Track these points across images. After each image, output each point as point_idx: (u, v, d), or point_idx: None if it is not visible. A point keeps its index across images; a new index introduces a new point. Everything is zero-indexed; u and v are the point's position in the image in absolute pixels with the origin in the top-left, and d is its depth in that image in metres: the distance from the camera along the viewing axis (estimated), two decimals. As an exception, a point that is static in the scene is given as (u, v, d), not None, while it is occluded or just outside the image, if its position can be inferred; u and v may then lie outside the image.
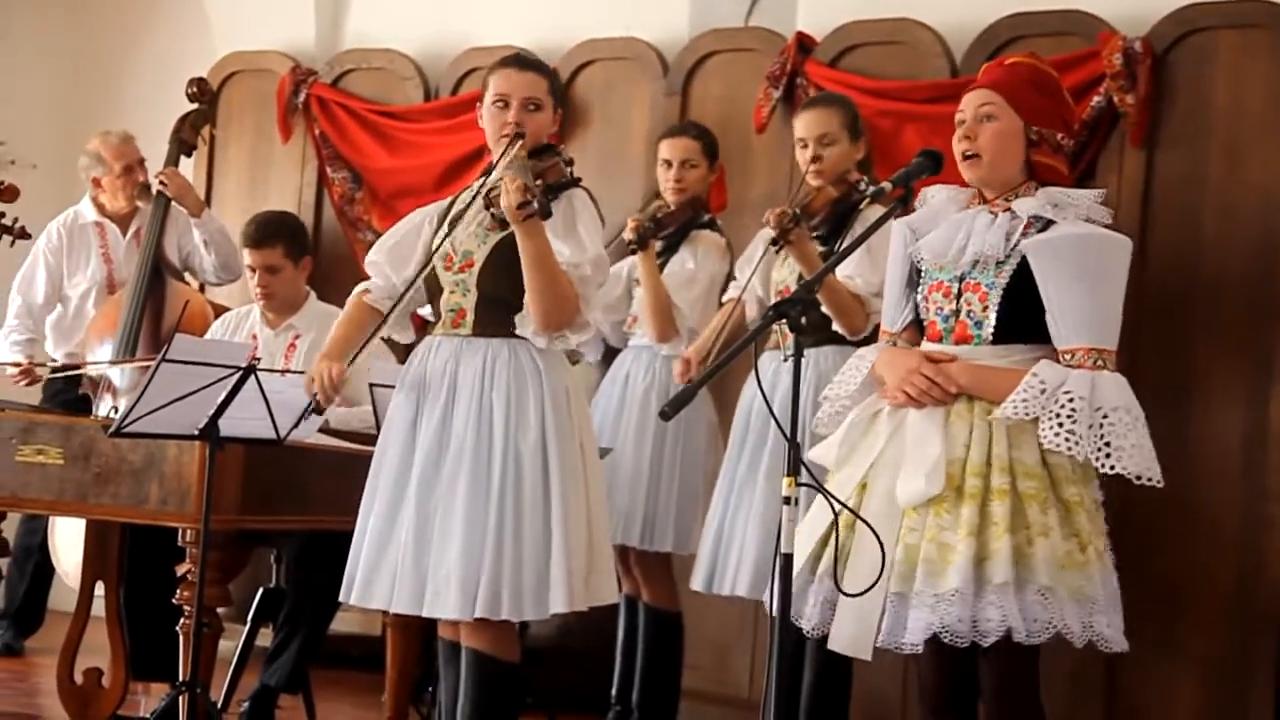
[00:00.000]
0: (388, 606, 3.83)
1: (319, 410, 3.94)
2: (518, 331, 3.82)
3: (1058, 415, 3.50)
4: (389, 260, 3.97)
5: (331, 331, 4.00)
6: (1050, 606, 3.47)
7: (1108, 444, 3.50)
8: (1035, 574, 3.48)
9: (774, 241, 4.50)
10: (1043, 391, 3.52)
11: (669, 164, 5.30)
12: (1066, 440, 3.49)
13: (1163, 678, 4.92)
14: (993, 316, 3.65)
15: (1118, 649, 3.58)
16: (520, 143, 3.80)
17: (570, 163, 3.88)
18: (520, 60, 3.96)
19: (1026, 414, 3.52)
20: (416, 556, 3.76)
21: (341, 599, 3.90)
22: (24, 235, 5.82)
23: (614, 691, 5.36)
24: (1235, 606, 4.87)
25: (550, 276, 3.73)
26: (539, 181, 3.70)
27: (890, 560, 3.53)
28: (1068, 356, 3.59)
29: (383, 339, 4.14)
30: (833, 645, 3.62)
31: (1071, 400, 3.50)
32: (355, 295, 4.03)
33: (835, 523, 3.55)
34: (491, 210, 3.82)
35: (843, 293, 4.54)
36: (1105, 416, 3.51)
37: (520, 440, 3.76)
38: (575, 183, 3.85)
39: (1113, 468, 3.50)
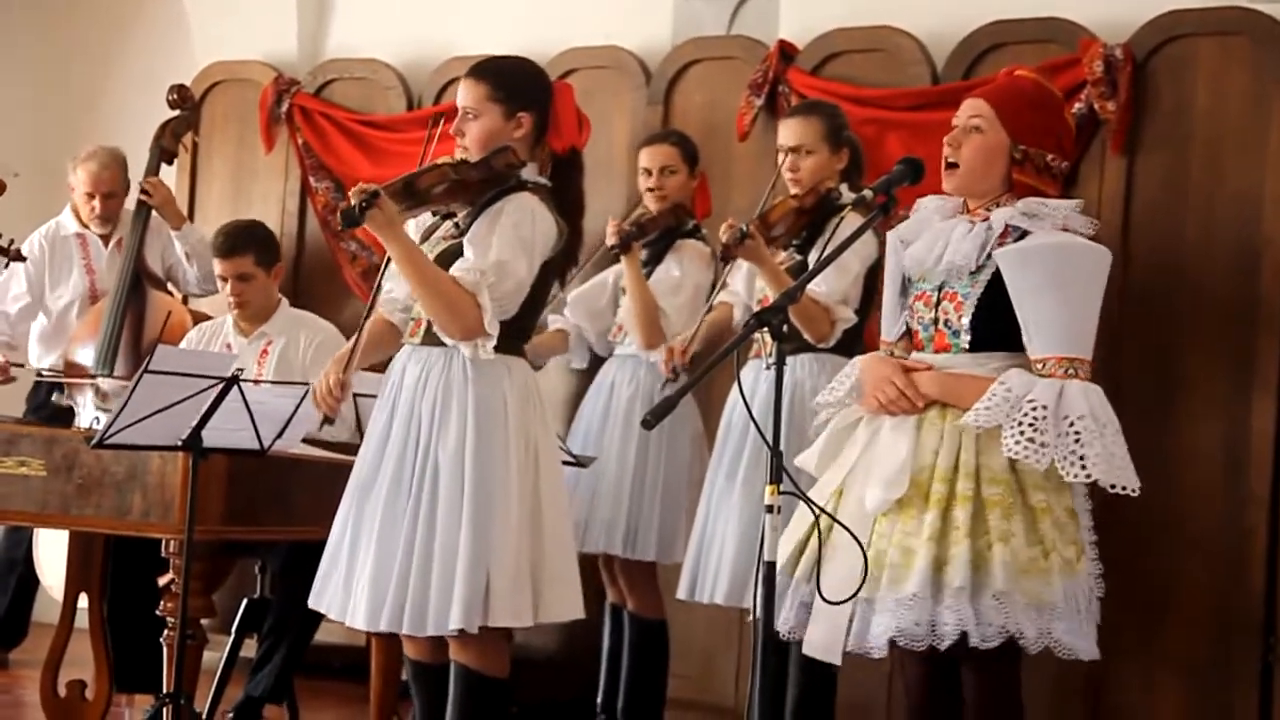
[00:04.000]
0: (329, 613, 3.83)
1: (329, 421, 3.89)
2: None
3: (1020, 424, 3.51)
4: (390, 277, 3.95)
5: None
6: (1005, 611, 3.49)
7: (1075, 452, 3.51)
8: (992, 579, 3.50)
9: (721, 257, 4.53)
10: (1007, 400, 3.54)
11: (649, 172, 5.32)
12: (1028, 448, 3.50)
13: (1146, 683, 4.93)
14: (968, 325, 3.67)
15: (1084, 657, 3.59)
16: (451, 156, 3.79)
17: (511, 166, 3.80)
18: (471, 68, 3.90)
19: (990, 422, 3.54)
20: (349, 565, 3.77)
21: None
22: (19, 258, 5.83)
23: (599, 700, 5.36)
24: (1219, 612, 4.88)
25: (420, 282, 3.68)
26: (371, 189, 3.61)
27: (863, 566, 3.55)
28: (1039, 366, 3.61)
29: None
30: (806, 649, 3.66)
31: (1035, 409, 3.51)
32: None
33: (814, 527, 3.57)
34: None
35: (805, 301, 4.53)
36: (1071, 425, 3.52)
37: (440, 450, 3.70)
38: (519, 186, 3.80)
39: (1077, 476, 3.51)
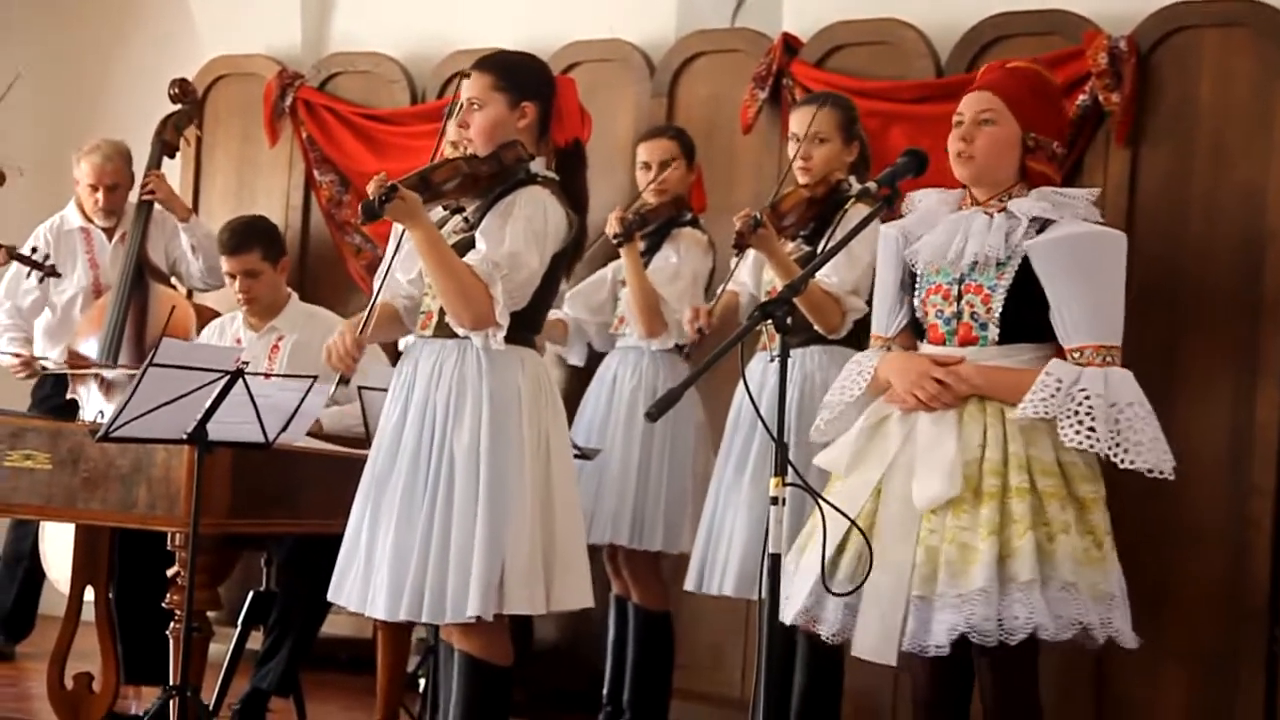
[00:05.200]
0: (349, 605, 3.84)
1: (345, 381, 3.91)
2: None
3: (1076, 414, 3.53)
4: (400, 264, 3.97)
5: None
6: (1073, 603, 3.48)
7: (1125, 440, 3.53)
8: (1058, 570, 3.49)
9: (734, 245, 4.53)
10: (1058, 390, 3.54)
11: (648, 166, 5.32)
12: (1088, 438, 3.51)
13: (1152, 673, 4.93)
14: (998, 317, 3.66)
15: (1131, 645, 3.60)
16: (459, 149, 3.81)
17: (520, 160, 3.82)
18: (476, 61, 3.92)
19: (1046, 413, 3.53)
20: (367, 556, 3.79)
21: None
22: (53, 273, 5.86)
23: (605, 691, 5.36)
24: (1223, 602, 4.89)
25: (440, 272, 3.69)
26: (389, 183, 3.62)
27: (912, 563, 3.54)
28: (1076, 355, 3.61)
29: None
30: (856, 651, 3.60)
31: (1088, 398, 3.53)
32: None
33: (850, 529, 3.55)
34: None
35: (816, 292, 4.54)
36: (1121, 412, 3.54)
37: (455, 442, 3.72)
38: (528, 180, 3.81)
39: (1126, 463, 3.53)
